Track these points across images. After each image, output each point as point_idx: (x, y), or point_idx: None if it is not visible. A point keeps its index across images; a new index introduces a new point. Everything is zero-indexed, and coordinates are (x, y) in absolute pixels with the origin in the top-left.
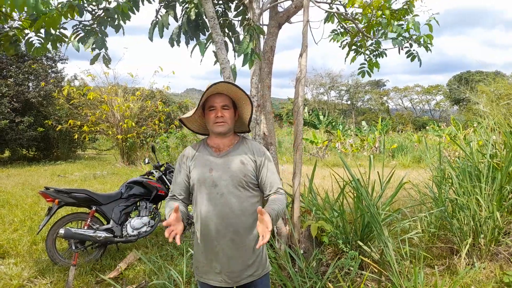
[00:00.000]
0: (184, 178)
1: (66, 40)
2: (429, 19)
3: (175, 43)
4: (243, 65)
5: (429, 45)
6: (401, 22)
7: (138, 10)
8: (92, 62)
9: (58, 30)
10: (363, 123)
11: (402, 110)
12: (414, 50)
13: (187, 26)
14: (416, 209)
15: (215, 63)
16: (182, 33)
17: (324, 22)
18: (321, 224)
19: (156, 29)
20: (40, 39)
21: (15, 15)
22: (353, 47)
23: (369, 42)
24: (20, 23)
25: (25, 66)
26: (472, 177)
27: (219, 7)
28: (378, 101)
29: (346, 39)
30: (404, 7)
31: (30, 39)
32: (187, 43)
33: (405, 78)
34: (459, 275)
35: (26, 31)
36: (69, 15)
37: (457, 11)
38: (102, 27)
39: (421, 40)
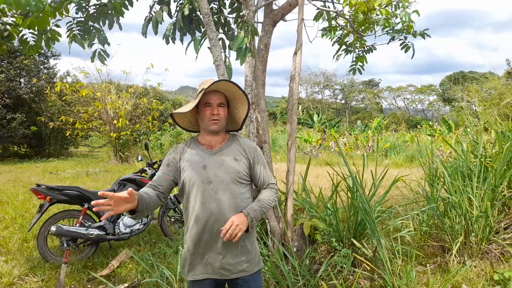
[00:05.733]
0: (168, 173)
1: (60, 38)
2: (408, 5)
3: (170, 40)
4: (236, 59)
5: (426, 33)
6: (397, 20)
7: (132, 6)
8: (92, 59)
9: (50, 27)
10: (358, 122)
11: (396, 110)
12: (408, 41)
13: (182, 23)
14: (408, 207)
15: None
16: (177, 30)
17: (313, 19)
18: (314, 222)
19: (150, 26)
20: (34, 36)
21: (8, 11)
22: (343, 46)
23: (359, 40)
24: (14, 19)
25: (17, 61)
26: (464, 176)
27: (214, 3)
28: (372, 100)
29: (338, 36)
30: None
31: (24, 37)
32: (181, 40)
33: (395, 78)
34: (450, 273)
35: (20, 28)
36: (57, 13)
37: (446, 13)
38: (100, 22)
39: (417, 31)
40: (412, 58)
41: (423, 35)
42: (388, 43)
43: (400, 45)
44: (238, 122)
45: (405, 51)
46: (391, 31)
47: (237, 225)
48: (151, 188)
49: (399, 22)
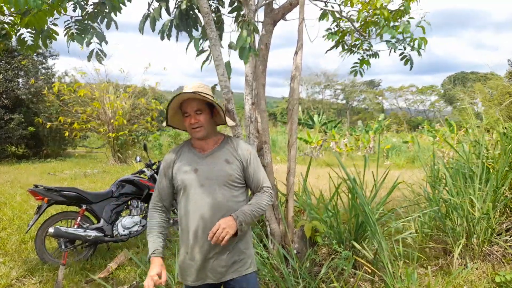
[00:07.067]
0: (168, 185)
1: (57, 37)
2: (419, 21)
3: (165, 36)
4: (240, 58)
5: (421, 50)
6: (396, 24)
7: (130, 1)
8: (89, 58)
9: (48, 26)
10: (359, 122)
11: (397, 110)
12: (408, 53)
13: (179, 21)
14: (409, 209)
15: (205, 61)
16: (174, 27)
17: (319, 20)
18: (315, 224)
19: (148, 23)
20: (32, 35)
21: (6, 9)
22: (345, 46)
23: (364, 43)
24: (12, 18)
25: (15, 62)
26: (465, 178)
27: (213, 2)
28: (373, 100)
29: (338, 37)
30: (401, 8)
31: (22, 36)
32: (177, 38)
33: (396, 78)
34: (452, 276)
35: (18, 27)
36: (55, 12)
37: (446, 12)
38: (98, 21)
39: (415, 43)
40: (410, 69)
41: (418, 52)
42: (389, 54)
43: (400, 55)
44: (223, 116)
45: (405, 63)
46: (392, 42)
47: (223, 228)
48: (157, 212)
49: (400, 33)
